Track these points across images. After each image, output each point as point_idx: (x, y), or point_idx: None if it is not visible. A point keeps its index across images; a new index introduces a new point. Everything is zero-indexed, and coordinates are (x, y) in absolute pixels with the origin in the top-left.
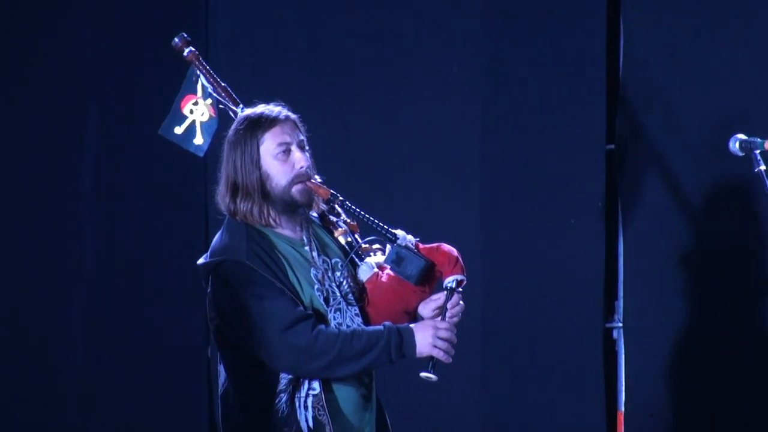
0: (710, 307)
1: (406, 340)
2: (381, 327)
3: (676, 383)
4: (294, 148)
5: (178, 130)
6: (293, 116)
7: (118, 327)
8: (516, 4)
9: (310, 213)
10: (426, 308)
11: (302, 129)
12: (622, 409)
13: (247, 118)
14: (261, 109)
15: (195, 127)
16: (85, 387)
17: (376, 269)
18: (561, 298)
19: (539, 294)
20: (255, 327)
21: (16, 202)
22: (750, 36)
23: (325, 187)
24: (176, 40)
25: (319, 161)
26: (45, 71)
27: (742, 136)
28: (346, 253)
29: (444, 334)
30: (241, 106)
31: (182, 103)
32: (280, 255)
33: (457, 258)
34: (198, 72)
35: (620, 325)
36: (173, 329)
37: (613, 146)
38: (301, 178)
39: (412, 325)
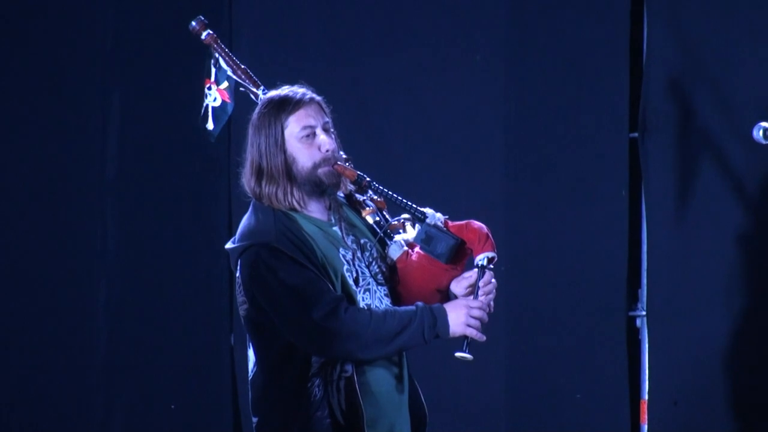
0: (734, 295)
1: (439, 320)
2: (413, 307)
3: (700, 372)
4: (319, 130)
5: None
6: (318, 98)
7: (141, 314)
8: None
9: (337, 194)
10: (458, 286)
11: (327, 111)
12: (646, 397)
13: (271, 100)
14: (285, 91)
15: (208, 111)
16: (108, 375)
17: (405, 248)
18: (584, 287)
19: (563, 282)
20: (286, 310)
21: (40, 191)
22: None
23: (351, 168)
24: (193, 23)
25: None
26: (68, 60)
27: (766, 124)
28: (374, 233)
29: (476, 312)
30: (262, 87)
31: (203, 85)
32: (308, 236)
33: (488, 235)
34: (216, 55)
35: (644, 313)
36: (196, 317)
37: (636, 134)
38: (327, 161)
39: (444, 305)
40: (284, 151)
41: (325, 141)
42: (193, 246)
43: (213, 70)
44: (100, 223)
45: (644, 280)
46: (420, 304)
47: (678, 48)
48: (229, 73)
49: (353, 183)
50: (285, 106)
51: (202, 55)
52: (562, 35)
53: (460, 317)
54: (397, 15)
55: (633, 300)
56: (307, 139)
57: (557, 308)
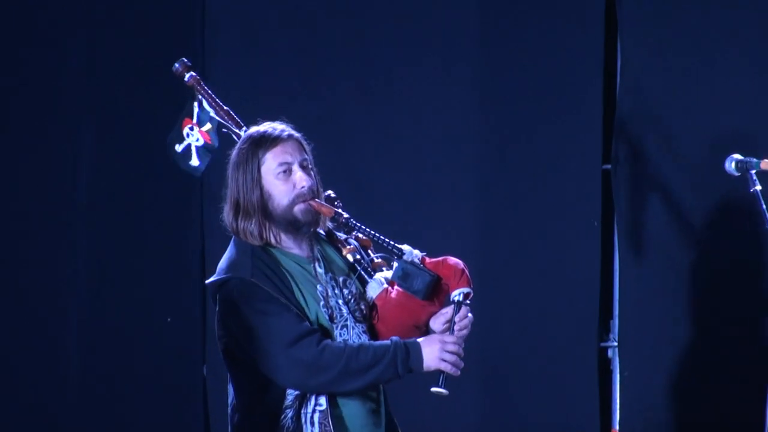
0: (705, 326)
1: (412, 354)
2: (388, 341)
3: (671, 402)
4: (296, 167)
5: (178, 147)
6: (296, 135)
7: (113, 345)
8: (513, 22)
9: (318, 230)
10: (436, 322)
11: (307, 148)
12: (617, 427)
13: (250, 137)
14: (264, 127)
15: (191, 149)
16: (78, 403)
17: (385, 285)
18: (556, 317)
19: (535, 312)
20: (261, 343)
21: (11, 213)
22: (747, 57)
23: (327, 205)
24: (177, 65)
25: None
26: (41, 82)
27: (738, 156)
28: (354, 271)
29: (451, 347)
30: (244, 128)
31: (183, 124)
32: (285, 272)
33: (463, 270)
34: (199, 96)
35: (615, 344)
36: (169, 347)
37: (609, 166)
38: (302, 198)
39: (419, 340)
40: (261, 187)
41: (301, 178)
42: (164, 274)
43: (195, 111)
44: (71, 247)
45: (616, 311)
46: (395, 338)
47: (651, 81)
48: (212, 114)
49: (331, 220)
50: (263, 143)
51: (174, 83)
52: (536, 67)
53: (434, 352)
54: (370, 38)
55: (605, 330)
56: (284, 175)
57: (529, 338)
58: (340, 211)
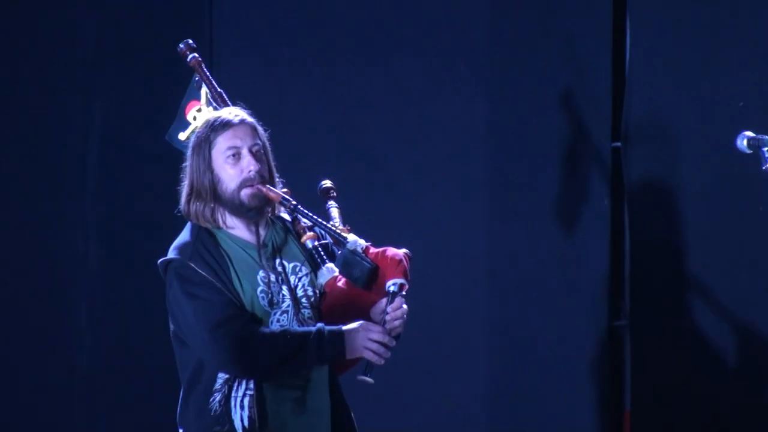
0: (716, 305)
1: (336, 342)
2: (313, 328)
3: (682, 382)
4: (245, 152)
5: (182, 136)
6: (250, 120)
7: (123, 324)
8: (522, 2)
9: (282, 215)
10: (375, 312)
11: (261, 134)
12: (629, 408)
13: (207, 121)
14: (221, 113)
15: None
16: (91, 384)
17: (335, 273)
18: (567, 297)
19: (545, 293)
20: (189, 324)
21: (21, 200)
22: (756, 35)
23: (275, 191)
24: (181, 45)
25: (325, 161)
26: (50, 70)
27: (749, 133)
28: (311, 258)
29: (375, 336)
30: None
31: (186, 110)
32: (224, 255)
33: (401, 261)
34: (197, 77)
35: (626, 323)
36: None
37: (619, 144)
38: (249, 182)
39: (344, 327)
40: (212, 170)
41: (249, 162)
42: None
43: (201, 92)
44: (81, 233)
45: (626, 291)
46: (320, 324)
47: (660, 58)
48: (208, 96)
49: (281, 206)
50: (215, 127)
51: (184, 70)
52: (545, 46)
53: (358, 340)
54: (380, 23)
55: (615, 311)
56: (233, 159)
57: (539, 319)
58: (287, 197)
